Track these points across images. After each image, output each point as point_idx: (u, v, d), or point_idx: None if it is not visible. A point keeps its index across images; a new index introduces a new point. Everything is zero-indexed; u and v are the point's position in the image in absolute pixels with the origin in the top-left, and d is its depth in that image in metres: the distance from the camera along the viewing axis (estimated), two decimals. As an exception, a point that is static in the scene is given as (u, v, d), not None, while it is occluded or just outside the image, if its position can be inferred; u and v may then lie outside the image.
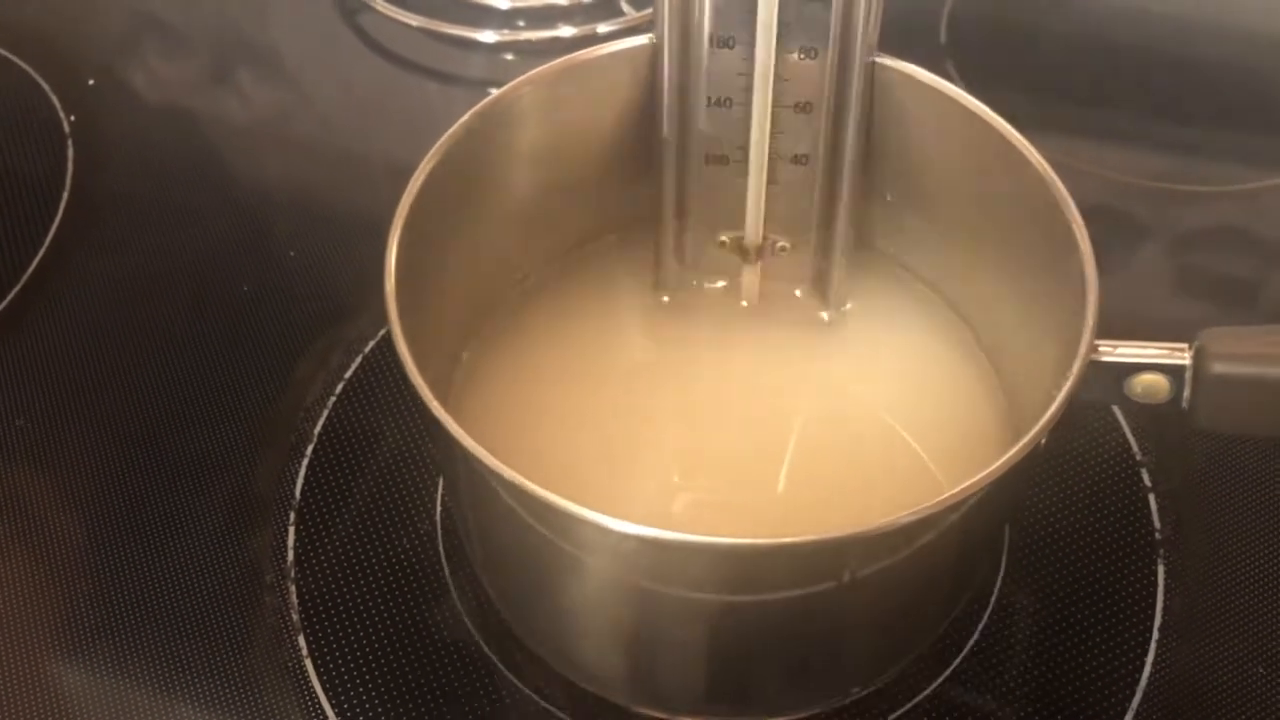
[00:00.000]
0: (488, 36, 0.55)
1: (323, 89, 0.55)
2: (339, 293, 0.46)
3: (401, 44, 0.56)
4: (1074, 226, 0.31)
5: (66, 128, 0.52)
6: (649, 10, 0.55)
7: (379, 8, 0.56)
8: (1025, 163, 0.33)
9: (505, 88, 0.35)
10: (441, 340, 0.35)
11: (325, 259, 0.47)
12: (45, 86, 0.53)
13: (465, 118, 0.34)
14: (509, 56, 0.56)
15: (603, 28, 0.55)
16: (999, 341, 0.37)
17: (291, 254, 0.47)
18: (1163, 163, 0.52)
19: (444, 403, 0.29)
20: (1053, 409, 0.28)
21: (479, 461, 0.27)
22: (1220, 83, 0.56)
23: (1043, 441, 0.29)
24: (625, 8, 0.56)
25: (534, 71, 0.35)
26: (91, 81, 0.54)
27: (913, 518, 0.27)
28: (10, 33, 0.56)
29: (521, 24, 0.56)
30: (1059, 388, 0.29)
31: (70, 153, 0.51)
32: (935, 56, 0.55)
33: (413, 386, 0.29)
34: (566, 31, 0.56)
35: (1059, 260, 0.32)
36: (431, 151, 0.33)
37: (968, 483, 0.27)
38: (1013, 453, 0.28)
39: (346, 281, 0.46)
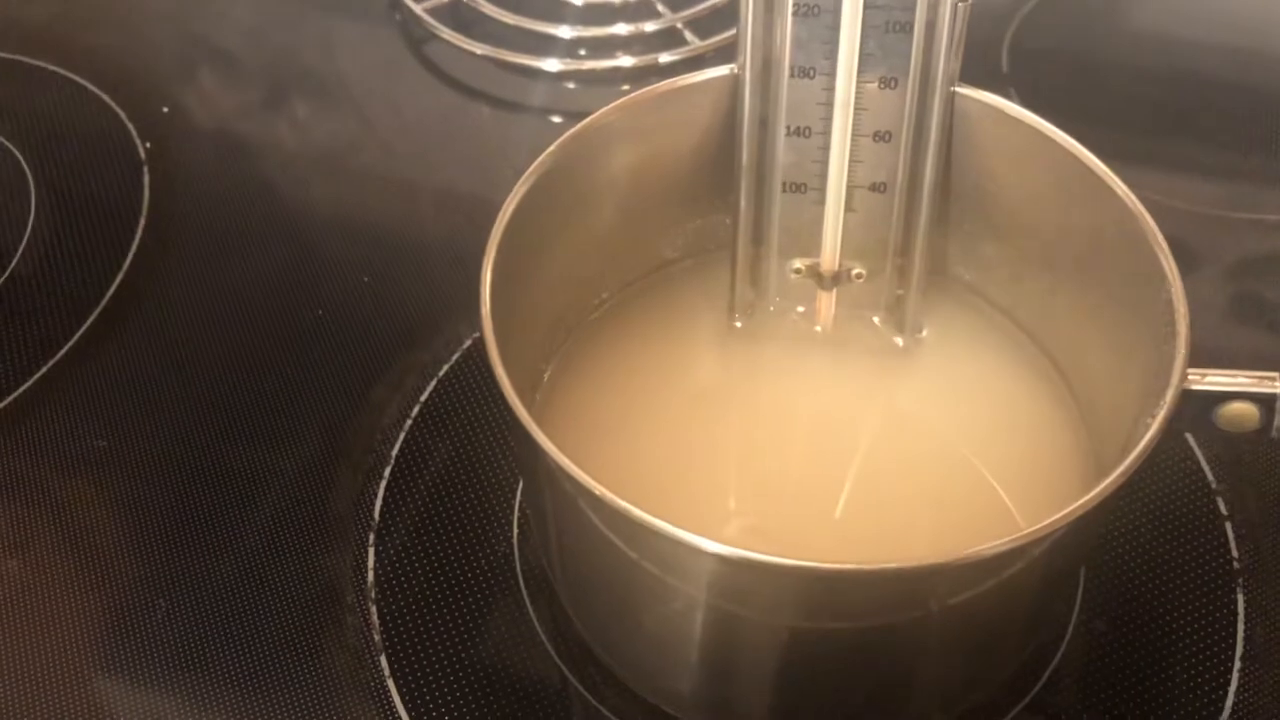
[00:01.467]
0: (551, 65, 0.56)
1: (391, 117, 0.56)
2: (411, 317, 0.47)
3: (466, 72, 0.57)
4: (1161, 257, 0.31)
5: (142, 154, 0.53)
6: (712, 40, 0.56)
7: (445, 36, 0.57)
8: (1110, 193, 0.33)
9: (593, 116, 0.35)
10: (525, 359, 0.36)
11: (397, 284, 0.48)
12: (121, 114, 0.54)
13: (554, 145, 0.34)
14: (571, 85, 0.57)
15: (664, 58, 0.56)
16: (1077, 369, 0.37)
17: (365, 279, 0.48)
18: (1228, 191, 0.52)
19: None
20: (1148, 438, 0.28)
21: (571, 478, 0.28)
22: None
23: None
24: (689, 37, 0.57)
25: (620, 100, 0.36)
26: (166, 109, 0.55)
27: (1005, 547, 0.27)
28: (87, 60, 0.57)
29: (583, 53, 0.57)
30: (1151, 416, 0.29)
31: (146, 179, 0.52)
32: (998, 85, 0.55)
33: (511, 409, 0.29)
34: (627, 61, 0.56)
35: (1143, 289, 0.32)
36: (524, 177, 0.34)
37: (1062, 512, 0.27)
38: (1110, 480, 0.28)
39: (419, 306, 0.47)
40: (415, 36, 0.59)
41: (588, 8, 0.58)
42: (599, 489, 0.27)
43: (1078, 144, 0.34)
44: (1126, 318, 0.34)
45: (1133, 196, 0.32)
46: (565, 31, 0.57)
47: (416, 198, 0.52)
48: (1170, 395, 0.29)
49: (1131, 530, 0.40)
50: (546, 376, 0.38)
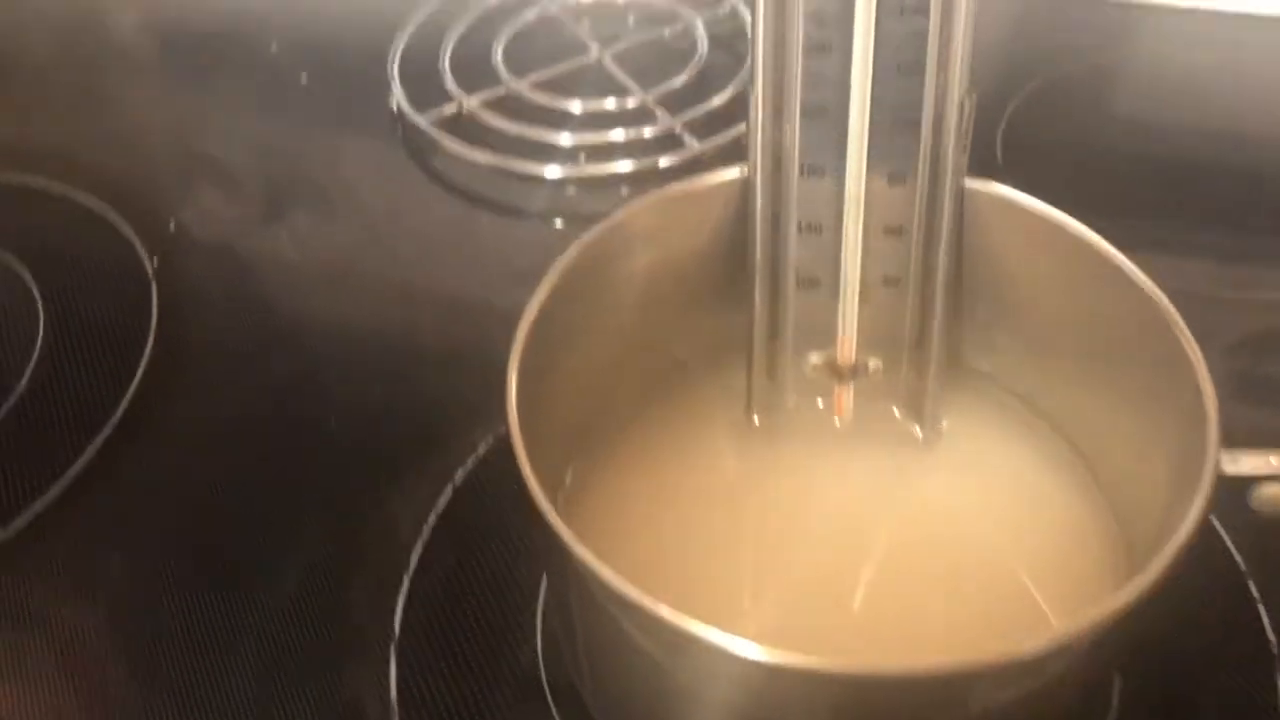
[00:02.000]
0: (553, 171, 0.57)
1: (397, 226, 0.56)
2: (424, 425, 0.46)
3: (470, 181, 0.58)
4: (1184, 341, 0.31)
5: (150, 271, 0.53)
6: (711, 142, 0.57)
7: (448, 146, 0.58)
8: (1125, 279, 0.33)
9: (610, 218, 0.36)
10: (547, 462, 0.36)
11: (408, 393, 0.48)
12: (128, 231, 0.55)
13: (575, 246, 0.35)
14: (572, 191, 0.57)
15: (665, 161, 0.57)
16: (1101, 455, 0.37)
17: (376, 388, 0.48)
18: (1226, 271, 0.53)
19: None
20: (1188, 526, 0.28)
21: (601, 582, 0.27)
22: (1275, 191, 0.57)
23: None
24: (688, 140, 0.57)
25: (635, 204, 0.36)
26: (173, 225, 0.56)
27: (1047, 646, 0.27)
28: (92, 179, 0.58)
29: (584, 159, 0.58)
30: (1186, 502, 0.29)
31: (154, 295, 0.52)
32: (993, 177, 0.56)
33: (539, 512, 0.29)
34: (627, 165, 0.57)
35: (1164, 372, 0.32)
36: (545, 279, 0.34)
37: (1107, 605, 0.27)
38: (1155, 568, 0.27)
39: (431, 414, 0.47)
40: (418, 147, 0.59)
41: (587, 115, 0.59)
42: (632, 591, 0.27)
43: (1089, 231, 0.34)
44: (1150, 401, 0.34)
45: (1150, 282, 0.33)
46: (566, 139, 0.58)
47: (424, 306, 0.52)
48: (1207, 481, 0.29)
49: (1164, 615, 0.39)
50: (568, 480, 0.38)
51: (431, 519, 0.43)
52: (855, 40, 0.34)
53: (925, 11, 0.34)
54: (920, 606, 0.36)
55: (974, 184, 0.36)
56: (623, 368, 0.39)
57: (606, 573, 0.27)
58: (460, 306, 0.52)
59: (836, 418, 0.40)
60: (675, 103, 0.59)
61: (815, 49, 0.35)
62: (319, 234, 0.56)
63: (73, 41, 0.70)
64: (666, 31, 0.65)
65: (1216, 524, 0.41)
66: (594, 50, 0.63)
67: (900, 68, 0.35)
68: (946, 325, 0.38)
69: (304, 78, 0.64)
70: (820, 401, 0.40)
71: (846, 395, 0.39)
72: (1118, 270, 0.33)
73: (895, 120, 0.35)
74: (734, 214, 0.37)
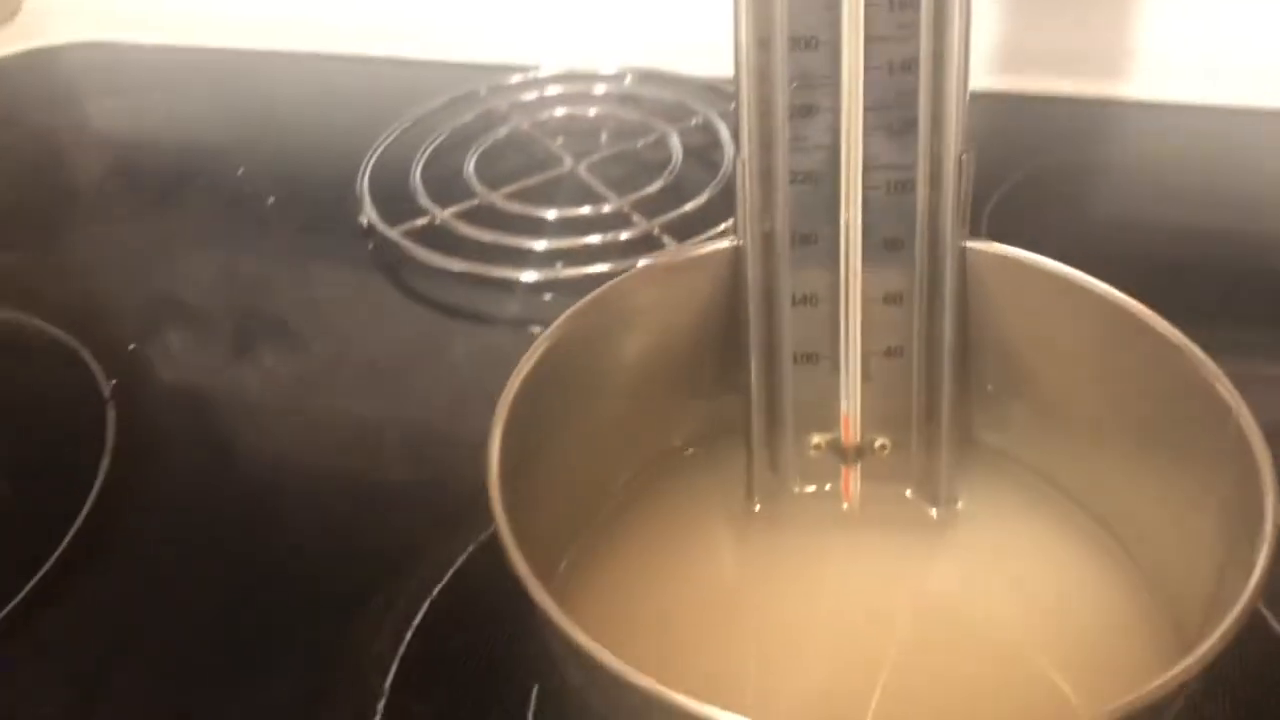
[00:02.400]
0: (529, 276, 0.55)
1: (367, 341, 0.54)
2: (397, 540, 0.43)
3: (442, 291, 0.56)
4: (1221, 389, 0.29)
5: (107, 392, 0.50)
6: (689, 243, 0.56)
7: (420, 257, 0.56)
8: (1148, 332, 0.31)
9: (595, 292, 0.34)
10: (533, 559, 0.33)
11: (379, 509, 0.45)
12: (86, 354, 0.52)
13: (556, 323, 0.33)
14: (548, 296, 0.56)
15: (643, 262, 0.55)
16: (1135, 533, 0.35)
17: (345, 506, 0.45)
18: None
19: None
20: (1241, 603, 0.25)
21: (610, 673, 0.24)
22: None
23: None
24: (666, 241, 0.56)
25: (622, 276, 0.34)
26: (132, 346, 0.53)
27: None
28: (51, 302, 0.55)
29: (560, 264, 0.56)
30: (1237, 581, 0.26)
31: (111, 417, 0.49)
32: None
33: (534, 601, 0.26)
34: (604, 266, 0.55)
35: (1198, 431, 0.30)
36: (525, 357, 0.32)
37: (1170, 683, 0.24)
38: (1206, 646, 0.24)
39: (404, 529, 0.44)
40: (389, 261, 0.58)
41: (563, 221, 0.58)
42: (646, 680, 0.24)
43: (1105, 285, 0.32)
44: (1182, 466, 0.31)
45: (1177, 332, 0.31)
46: (541, 245, 0.56)
47: (396, 420, 0.50)
48: (1263, 558, 0.26)
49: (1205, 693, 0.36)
50: (556, 577, 0.35)
51: (409, 636, 0.39)
52: (842, 100, 0.33)
53: (915, 70, 0.33)
54: (940, 704, 0.33)
55: (976, 244, 0.34)
56: (615, 455, 0.37)
57: (610, 658, 0.24)
58: (433, 419, 0.49)
59: (844, 502, 0.37)
60: (651, 208, 0.58)
61: (801, 112, 0.34)
62: (282, 356, 0.54)
63: (40, 164, 0.69)
64: (640, 143, 0.64)
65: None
66: (568, 162, 0.63)
67: (891, 128, 0.33)
68: (956, 398, 0.36)
69: (271, 199, 0.63)
70: (826, 485, 0.37)
71: (853, 477, 0.37)
72: (1141, 325, 0.31)
73: (889, 183, 0.34)
74: (725, 287, 0.36)
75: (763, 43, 0.33)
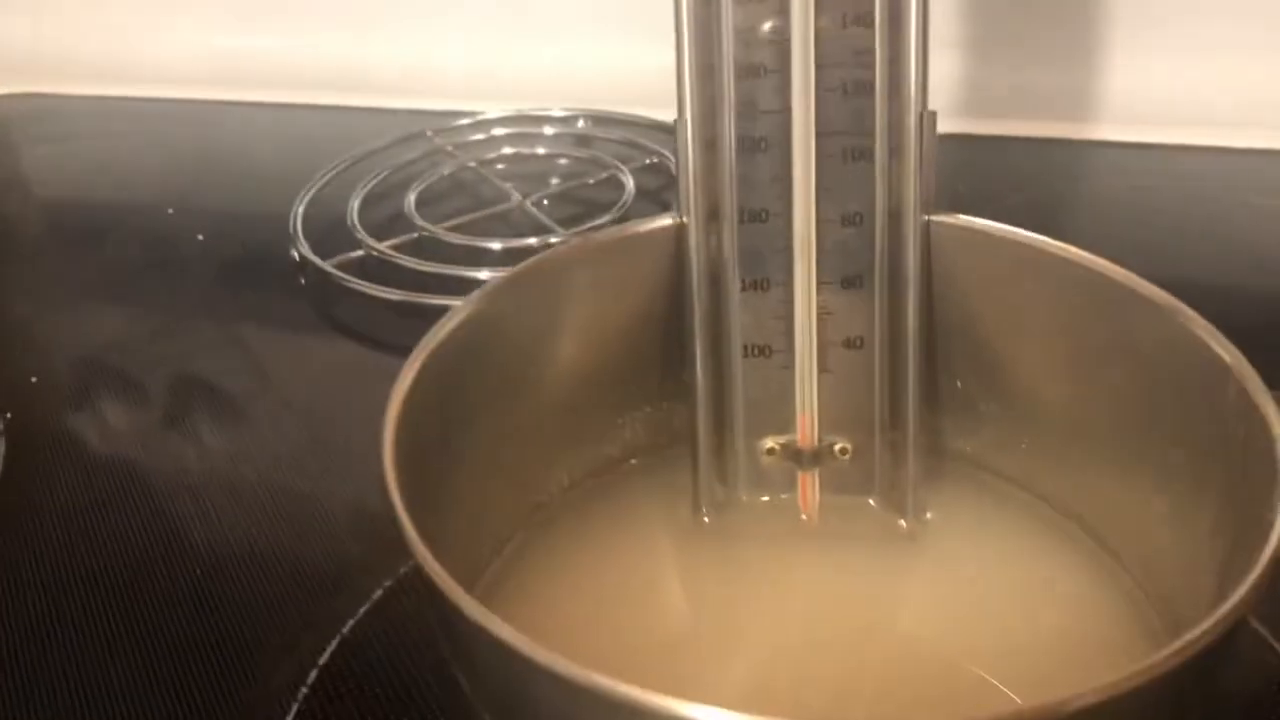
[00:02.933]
0: (471, 308, 0.52)
1: (292, 372, 0.50)
2: (307, 576, 0.39)
3: (375, 326, 0.52)
4: (1225, 356, 0.26)
5: (0, 424, 0.46)
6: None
7: (355, 288, 0.53)
8: (1137, 299, 0.28)
9: (510, 270, 0.30)
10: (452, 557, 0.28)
11: (290, 547, 0.40)
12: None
13: (463, 302, 0.29)
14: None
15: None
16: (1123, 538, 0.31)
17: (254, 549, 0.40)
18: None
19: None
20: (1241, 594, 0.21)
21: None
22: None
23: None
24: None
25: (541, 254, 0.31)
26: (34, 379, 0.49)
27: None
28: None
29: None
30: (1237, 578, 0.22)
31: (1, 451, 0.45)
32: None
33: (449, 600, 0.21)
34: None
35: (1198, 408, 0.27)
36: (418, 349, 0.28)
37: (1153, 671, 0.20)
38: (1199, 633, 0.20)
39: (315, 565, 0.39)
40: (321, 295, 0.54)
41: (507, 252, 0.55)
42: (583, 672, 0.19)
43: (1080, 250, 0.29)
44: (1176, 448, 0.28)
45: (1161, 291, 0.27)
46: (484, 274, 0.53)
47: (316, 455, 0.45)
48: (1270, 550, 0.22)
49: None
50: (478, 593, 0.30)
51: (312, 677, 0.34)
52: (793, 58, 0.30)
53: (869, 23, 0.30)
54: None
55: (940, 218, 0.31)
56: (543, 459, 0.33)
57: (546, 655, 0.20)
58: (360, 454, 0.45)
59: (801, 513, 0.33)
60: (601, 240, 0.55)
61: (748, 72, 0.31)
62: (200, 389, 0.50)
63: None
64: (591, 181, 0.62)
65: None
66: (515, 198, 0.60)
67: (846, 87, 0.31)
68: (923, 395, 0.32)
69: (200, 237, 0.60)
70: (781, 494, 0.33)
71: (811, 485, 0.33)
72: (1121, 288, 0.28)
73: (845, 150, 0.31)
74: (668, 270, 0.32)
75: (704, -3, 0.30)
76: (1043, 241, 0.30)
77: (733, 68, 0.31)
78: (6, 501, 0.43)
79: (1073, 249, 0.29)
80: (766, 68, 0.31)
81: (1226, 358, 0.25)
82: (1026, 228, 0.58)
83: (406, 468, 0.25)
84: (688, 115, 0.31)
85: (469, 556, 0.30)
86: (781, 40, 0.30)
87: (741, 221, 0.32)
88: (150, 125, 0.74)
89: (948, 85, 0.65)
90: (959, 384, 0.33)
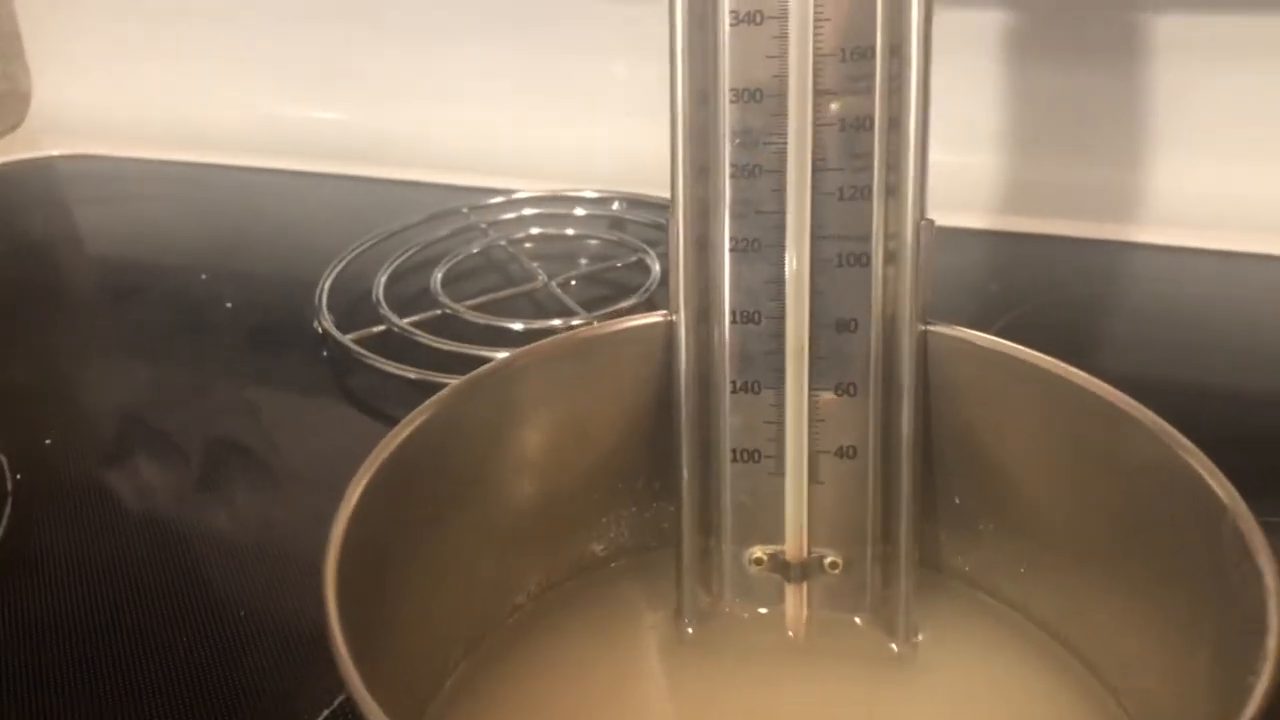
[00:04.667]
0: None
1: (299, 450, 0.50)
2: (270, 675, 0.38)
3: (394, 402, 0.52)
4: (1222, 495, 0.24)
5: (9, 486, 0.46)
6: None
7: (373, 364, 0.53)
8: (1139, 429, 0.26)
9: (489, 364, 0.29)
10: (402, 682, 0.27)
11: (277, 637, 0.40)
12: (-4, 444, 0.48)
13: (434, 398, 0.28)
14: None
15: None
16: (1119, 668, 0.29)
17: (241, 612, 0.40)
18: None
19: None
20: None
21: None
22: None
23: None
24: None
25: (519, 351, 0.30)
26: (49, 441, 0.50)
27: None
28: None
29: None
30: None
31: (8, 510, 0.45)
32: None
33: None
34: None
35: (1195, 546, 0.25)
36: (380, 445, 0.27)
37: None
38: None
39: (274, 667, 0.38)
40: (342, 369, 0.54)
41: (529, 333, 0.55)
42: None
43: (1083, 373, 0.28)
44: (1173, 584, 0.26)
45: (1162, 423, 0.26)
46: (504, 355, 0.52)
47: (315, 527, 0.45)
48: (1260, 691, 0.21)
49: None
50: (436, 705, 0.29)
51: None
52: (789, 160, 0.30)
53: (869, 127, 0.29)
54: None
55: (938, 328, 0.30)
56: (518, 563, 0.32)
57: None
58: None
59: (788, 629, 0.32)
60: (623, 324, 0.55)
61: (744, 172, 0.30)
62: (209, 455, 0.50)
63: (19, 263, 0.67)
64: (619, 264, 0.61)
65: None
66: (541, 278, 0.60)
67: (844, 191, 0.30)
68: (917, 509, 0.31)
69: (229, 304, 0.60)
70: (767, 608, 0.32)
71: (799, 600, 0.32)
72: (1123, 417, 0.27)
73: (841, 255, 0.30)
74: (655, 370, 0.31)
75: (701, 95, 0.30)
76: (1039, 358, 0.29)
77: (729, 167, 0.30)
78: (4, 564, 0.43)
79: (1071, 369, 0.28)
80: (763, 168, 0.30)
81: (1223, 496, 0.24)
82: (1057, 330, 0.58)
83: (359, 579, 0.24)
84: (680, 213, 0.30)
85: (433, 665, 0.29)
86: (779, 141, 0.30)
87: (733, 322, 0.31)
88: (193, 189, 0.76)
89: (988, 181, 0.65)
90: (956, 499, 0.32)
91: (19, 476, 0.47)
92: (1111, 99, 0.62)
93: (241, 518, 0.46)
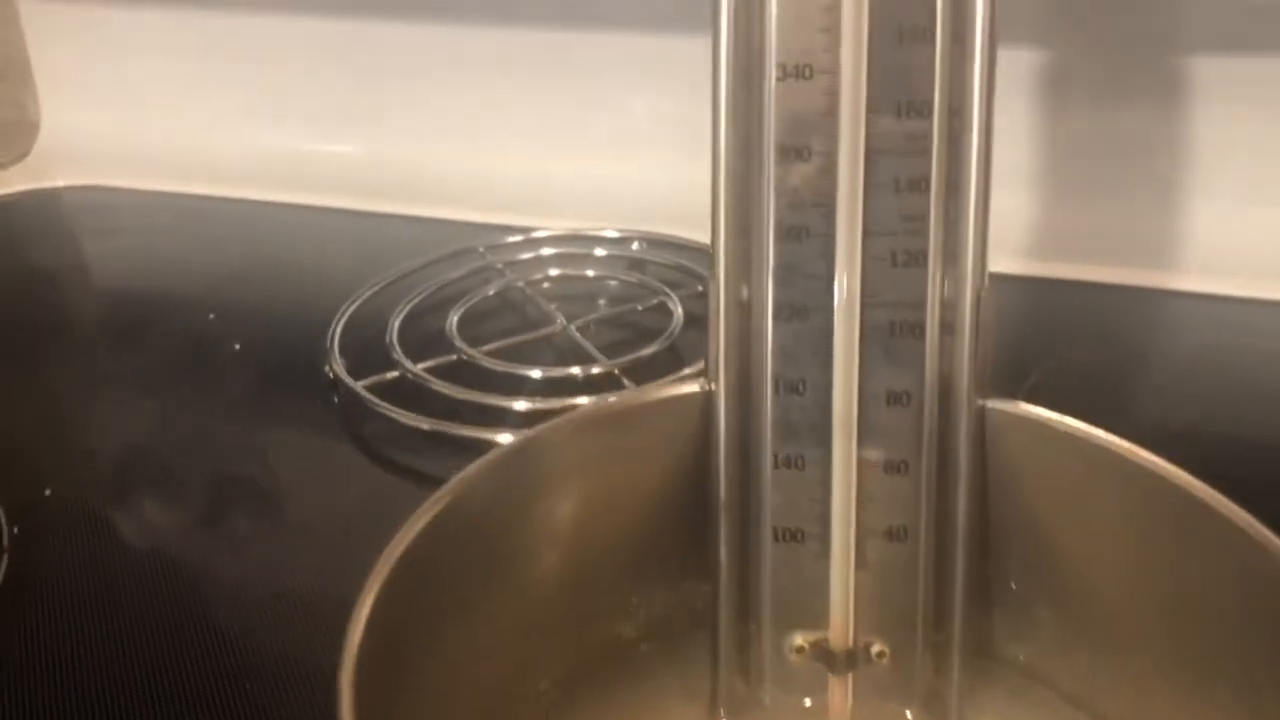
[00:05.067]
0: (505, 438, 0.49)
1: (306, 505, 0.48)
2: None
3: (405, 452, 0.50)
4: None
5: (6, 540, 0.44)
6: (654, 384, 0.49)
7: (386, 413, 0.51)
8: (1217, 519, 0.24)
9: (521, 437, 0.27)
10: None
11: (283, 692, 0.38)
12: (-8, 496, 0.47)
13: (465, 472, 0.26)
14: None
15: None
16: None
17: (247, 689, 0.38)
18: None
19: None
20: None
21: None
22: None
23: None
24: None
25: (562, 418, 0.28)
26: (48, 492, 0.48)
27: None
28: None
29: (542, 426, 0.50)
30: None
31: (4, 566, 0.43)
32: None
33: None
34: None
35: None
36: (415, 515, 0.25)
37: None
38: None
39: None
40: (353, 416, 0.52)
41: (547, 382, 0.53)
42: None
43: (1156, 457, 0.26)
44: (1253, 694, 0.24)
45: (1245, 514, 0.24)
46: (521, 405, 0.51)
47: (317, 582, 0.43)
48: None
49: None
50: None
51: None
52: (839, 222, 0.28)
53: (925, 189, 0.28)
54: None
55: (997, 404, 0.28)
56: (543, 646, 0.29)
57: None
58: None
59: (830, 721, 0.30)
60: (645, 372, 0.52)
61: (790, 235, 0.28)
62: (208, 508, 0.48)
63: (25, 297, 0.66)
64: (640, 307, 0.59)
65: None
66: (560, 321, 0.58)
67: (896, 256, 0.28)
68: (971, 596, 0.29)
69: (237, 345, 0.58)
70: (808, 699, 0.30)
71: (843, 691, 0.30)
72: (1199, 505, 0.25)
73: (894, 323, 0.28)
74: (693, 442, 0.29)
75: (745, 150, 0.28)
76: (1111, 441, 0.26)
77: (773, 228, 0.28)
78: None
79: (1146, 454, 0.26)
80: (810, 230, 0.28)
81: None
82: (1096, 383, 0.55)
83: (373, 687, 0.22)
84: (720, 275, 0.28)
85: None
86: (828, 202, 0.28)
87: (776, 392, 0.29)
88: (205, 224, 0.74)
89: (1023, 225, 0.63)
90: (1013, 585, 0.29)
91: (16, 530, 0.45)
92: (1150, 141, 0.60)
93: (246, 574, 0.44)
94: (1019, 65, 0.61)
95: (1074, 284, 0.61)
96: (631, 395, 0.29)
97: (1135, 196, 0.60)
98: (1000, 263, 0.61)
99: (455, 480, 0.26)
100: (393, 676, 0.24)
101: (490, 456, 0.27)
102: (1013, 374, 0.53)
